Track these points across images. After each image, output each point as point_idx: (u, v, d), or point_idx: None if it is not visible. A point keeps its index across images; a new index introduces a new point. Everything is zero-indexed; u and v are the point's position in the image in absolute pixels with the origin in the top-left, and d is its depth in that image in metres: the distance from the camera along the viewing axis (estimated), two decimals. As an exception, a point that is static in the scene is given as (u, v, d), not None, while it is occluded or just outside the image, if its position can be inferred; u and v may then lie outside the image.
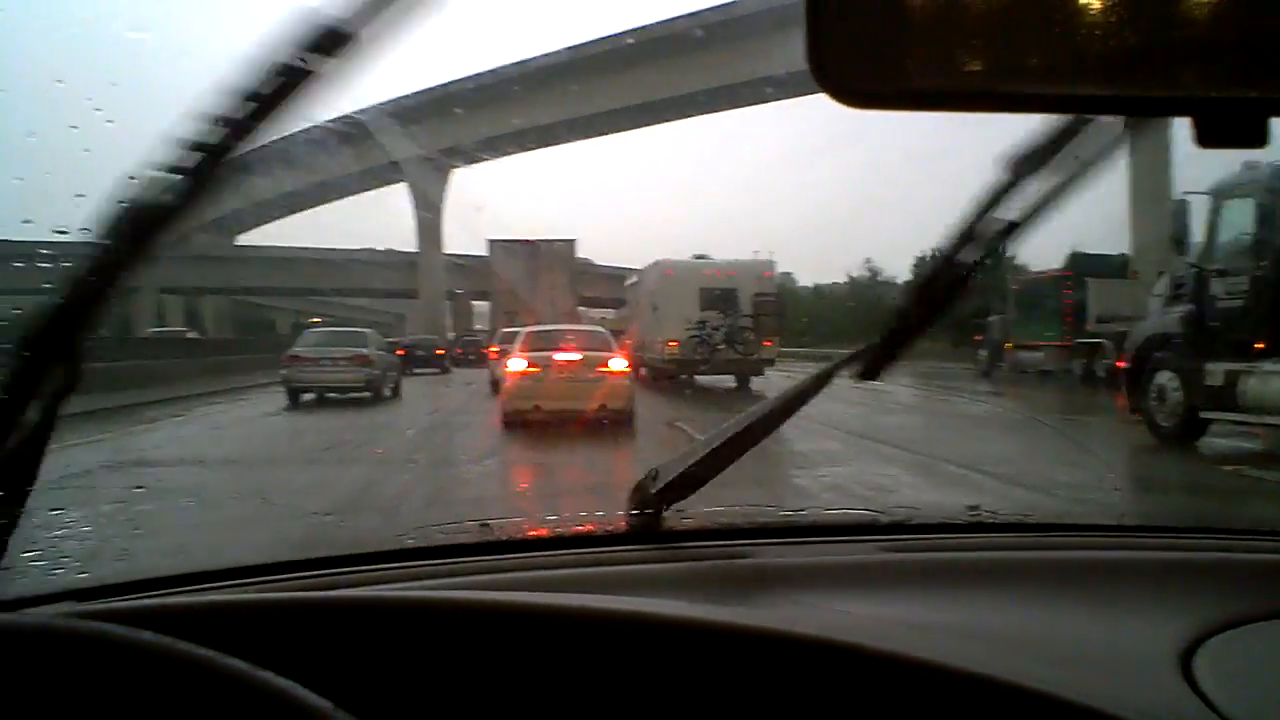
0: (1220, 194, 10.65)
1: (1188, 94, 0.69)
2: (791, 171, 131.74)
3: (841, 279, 56.88)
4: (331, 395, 19.38)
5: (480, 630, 0.99)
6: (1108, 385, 17.63)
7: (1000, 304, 27.52)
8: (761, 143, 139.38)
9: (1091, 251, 25.18)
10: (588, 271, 38.99)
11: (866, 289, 53.74)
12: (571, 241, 33.82)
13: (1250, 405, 9.78)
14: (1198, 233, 10.97)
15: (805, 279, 57.49)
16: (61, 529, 4.08)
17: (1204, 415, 10.50)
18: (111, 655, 0.70)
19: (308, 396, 19.40)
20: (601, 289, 42.48)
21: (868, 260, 55.74)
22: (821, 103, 0.70)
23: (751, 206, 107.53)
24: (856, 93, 0.68)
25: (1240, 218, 10.41)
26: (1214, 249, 10.71)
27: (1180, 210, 11.09)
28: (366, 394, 19.42)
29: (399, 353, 25.26)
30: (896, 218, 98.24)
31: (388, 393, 20.71)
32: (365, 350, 20.01)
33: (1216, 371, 10.10)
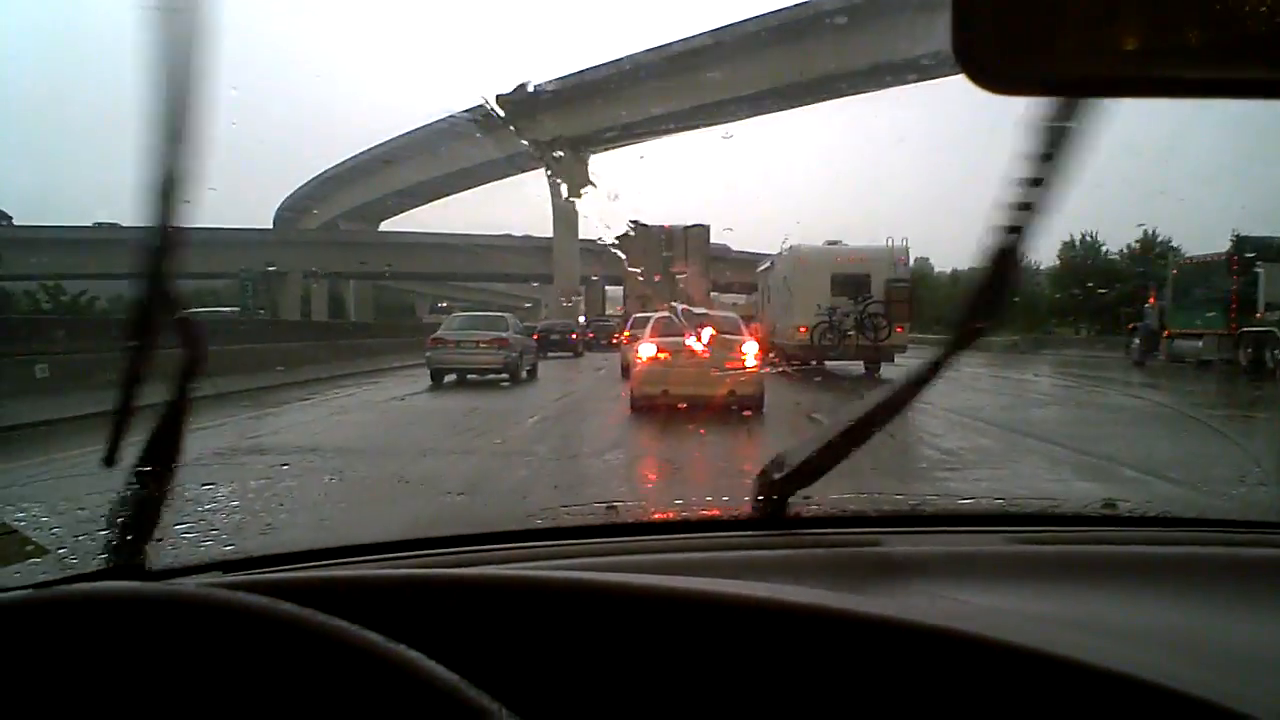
0: None
1: None
2: (933, 154, 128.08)
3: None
4: (471, 377, 19.94)
5: (603, 611, 1.00)
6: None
7: (1158, 289, 26.16)
8: (902, 125, 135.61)
9: (1255, 235, 23.64)
10: (721, 258, 38.90)
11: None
12: (705, 228, 33.75)
13: None
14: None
15: (944, 264, 55.65)
16: (211, 503, 4.34)
17: None
18: (252, 624, 0.73)
19: (449, 378, 20.04)
20: (734, 275, 42.31)
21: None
22: (966, 83, 0.67)
23: (890, 190, 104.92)
24: (1004, 79, 0.65)
25: None
26: None
27: None
28: (504, 375, 19.95)
29: (534, 337, 25.79)
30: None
31: (524, 375, 21.22)
32: (505, 334, 20.55)
33: None
